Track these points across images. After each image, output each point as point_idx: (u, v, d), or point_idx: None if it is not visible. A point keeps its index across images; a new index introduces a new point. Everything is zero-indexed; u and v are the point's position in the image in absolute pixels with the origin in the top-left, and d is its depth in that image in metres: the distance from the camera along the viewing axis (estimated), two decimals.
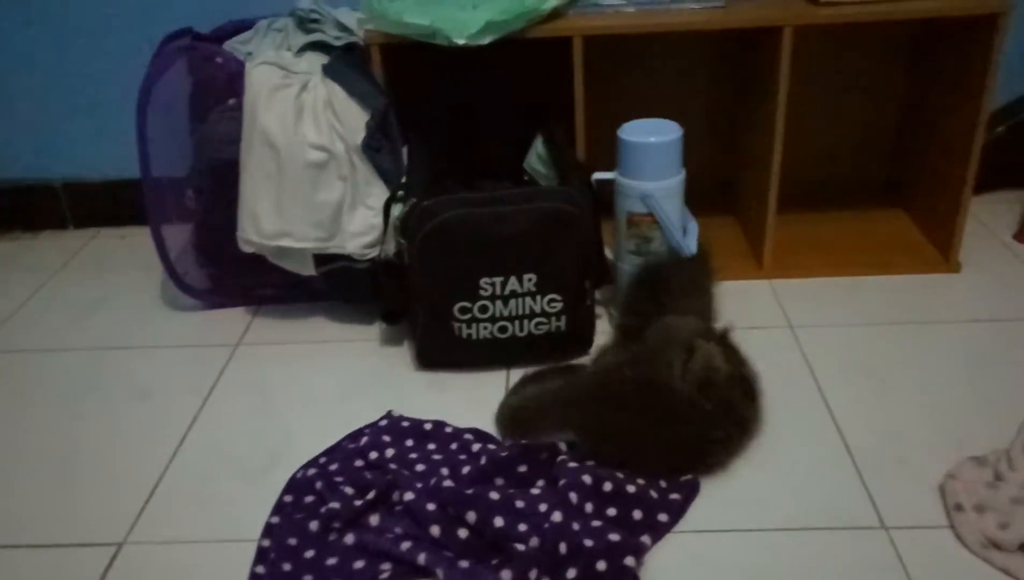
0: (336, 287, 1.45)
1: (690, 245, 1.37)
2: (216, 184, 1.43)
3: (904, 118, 1.74)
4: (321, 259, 1.41)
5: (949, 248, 1.55)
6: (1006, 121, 1.76)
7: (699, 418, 1.10)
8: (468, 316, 1.29)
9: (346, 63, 1.42)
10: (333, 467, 1.16)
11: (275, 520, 1.09)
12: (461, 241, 1.25)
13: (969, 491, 1.05)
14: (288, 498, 1.12)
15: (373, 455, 1.16)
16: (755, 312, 1.47)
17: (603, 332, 1.40)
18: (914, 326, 1.41)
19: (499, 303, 1.29)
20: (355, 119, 1.37)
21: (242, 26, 1.56)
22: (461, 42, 1.32)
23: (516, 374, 1.32)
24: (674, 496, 1.08)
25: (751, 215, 1.65)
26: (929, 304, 1.47)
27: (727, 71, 1.71)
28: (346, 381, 1.36)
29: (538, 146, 1.52)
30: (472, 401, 1.29)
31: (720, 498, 1.09)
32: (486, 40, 1.33)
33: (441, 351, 1.34)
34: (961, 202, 1.50)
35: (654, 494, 1.07)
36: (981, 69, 1.40)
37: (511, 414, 1.22)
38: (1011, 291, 1.50)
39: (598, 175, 1.38)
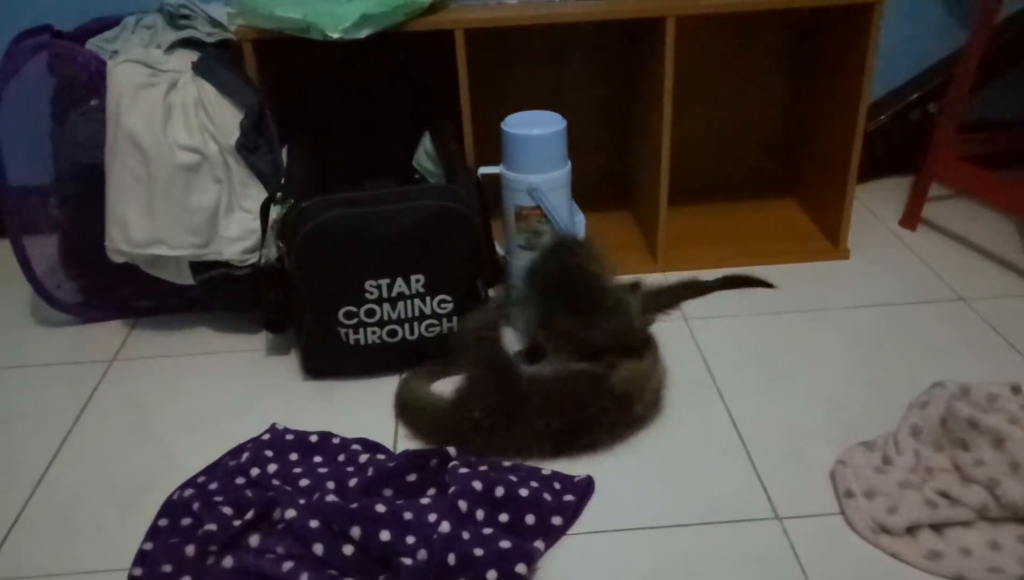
0: (216, 296, 1.37)
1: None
2: (81, 191, 1.35)
3: (790, 109, 1.76)
4: (198, 267, 1.33)
5: (838, 236, 1.58)
6: (889, 110, 1.80)
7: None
8: (354, 321, 1.24)
9: (218, 60, 1.35)
10: (212, 486, 1.09)
11: (148, 546, 1.02)
12: (342, 243, 1.19)
13: (858, 476, 1.05)
14: (163, 522, 1.05)
15: (255, 472, 1.10)
16: None
17: None
18: (805, 314, 1.42)
19: (387, 306, 1.24)
20: (228, 118, 1.31)
21: (108, 23, 1.47)
22: (335, 36, 1.26)
23: None
24: (568, 498, 1.05)
25: (644, 209, 1.64)
26: (820, 291, 1.49)
27: (616, 64, 1.70)
28: (229, 394, 1.29)
29: (426, 143, 1.48)
30: (362, 409, 1.24)
31: (614, 497, 1.07)
32: (362, 34, 1.28)
33: (328, 359, 1.29)
34: (847, 190, 1.52)
35: (548, 497, 1.04)
36: (860, 58, 1.42)
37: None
38: (897, 276, 1.53)
39: (484, 169, 1.35)
